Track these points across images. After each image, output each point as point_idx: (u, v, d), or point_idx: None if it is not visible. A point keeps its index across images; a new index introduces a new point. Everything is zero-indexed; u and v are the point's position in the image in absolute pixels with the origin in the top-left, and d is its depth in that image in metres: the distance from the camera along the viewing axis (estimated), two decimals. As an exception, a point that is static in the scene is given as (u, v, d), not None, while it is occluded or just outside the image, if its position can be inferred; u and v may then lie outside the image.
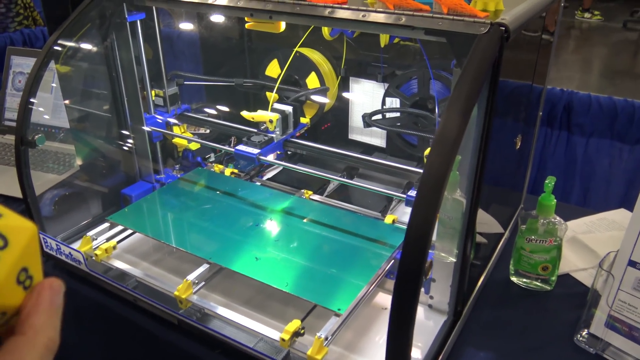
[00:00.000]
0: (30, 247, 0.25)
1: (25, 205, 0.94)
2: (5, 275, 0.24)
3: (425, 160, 0.81)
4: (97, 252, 0.88)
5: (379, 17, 0.69)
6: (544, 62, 0.92)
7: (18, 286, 0.25)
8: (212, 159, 1.23)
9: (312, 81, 1.13)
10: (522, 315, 0.85)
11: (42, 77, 0.88)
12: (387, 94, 1.07)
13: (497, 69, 0.62)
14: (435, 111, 0.97)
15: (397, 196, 0.85)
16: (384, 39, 1.03)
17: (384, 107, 1.07)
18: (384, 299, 0.87)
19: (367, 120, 1.02)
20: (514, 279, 0.91)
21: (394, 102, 1.07)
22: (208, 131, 1.25)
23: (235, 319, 0.76)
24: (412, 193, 0.78)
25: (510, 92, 0.78)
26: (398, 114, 1.07)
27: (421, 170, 0.87)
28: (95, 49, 1.01)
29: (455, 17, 0.64)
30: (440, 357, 0.73)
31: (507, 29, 0.61)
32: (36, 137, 0.90)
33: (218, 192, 1.03)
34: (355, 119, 1.20)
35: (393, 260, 0.85)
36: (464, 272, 0.76)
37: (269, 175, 1.19)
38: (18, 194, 0.93)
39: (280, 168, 1.21)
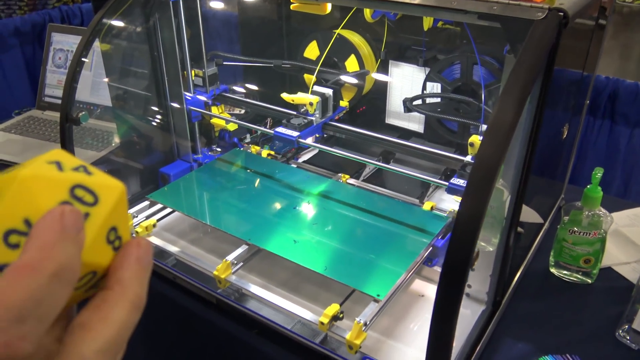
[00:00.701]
0: (119, 206, 0.25)
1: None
2: (96, 231, 0.23)
3: (469, 147, 0.79)
4: (138, 229, 0.89)
5: (431, 0, 0.67)
6: (596, 48, 0.89)
7: (108, 245, 0.24)
8: (248, 140, 1.23)
9: (351, 64, 1.12)
10: (561, 308, 0.83)
11: (87, 55, 0.89)
12: (428, 78, 1.05)
13: (552, 57, 0.60)
14: (480, 97, 0.95)
15: (438, 183, 0.84)
16: (427, 22, 1.01)
17: (425, 92, 1.05)
18: (420, 286, 0.87)
19: (408, 105, 1.00)
20: (553, 270, 0.90)
21: (434, 87, 1.05)
22: (243, 112, 1.25)
23: (274, 301, 0.77)
24: (455, 181, 0.77)
25: (562, 80, 0.75)
26: (439, 100, 1.05)
27: (461, 157, 0.86)
28: (138, 28, 1.01)
29: (510, 2, 0.62)
30: (479, 347, 0.73)
31: (566, 14, 0.59)
32: (80, 114, 0.91)
33: (255, 174, 1.03)
34: (393, 103, 1.18)
35: (431, 248, 0.84)
36: (505, 262, 0.75)
37: (305, 157, 1.19)
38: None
39: (316, 151, 1.21)
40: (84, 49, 0.87)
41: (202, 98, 1.09)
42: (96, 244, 0.24)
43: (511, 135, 0.54)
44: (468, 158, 0.81)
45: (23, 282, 0.20)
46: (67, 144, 0.90)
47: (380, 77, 1.14)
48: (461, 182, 0.77)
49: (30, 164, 0.24)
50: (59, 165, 0.24)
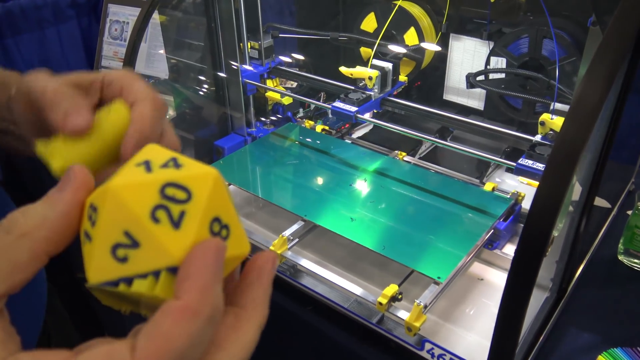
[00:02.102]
0: (217, 193, 0.24)
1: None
2: (196, 229, 0.22)
3: (540, 126, 0.75)
4: (195, 202, 0.89)
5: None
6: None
7: (215, 238, 0.24)
8: (301, 114, 1.22)
9: (410, 37, 1.08)
10: (630, 298, 0.79)
11: (147, 26, 0.88)
12: (492, 53, 1.00)
13: (645, 30, 0.55)
14: (549, 73, 0.90)
15: (505, 163, 0.80)
16: (494, -7, 0.96)
17: (488, 67, 1.01)
18: (480, 269, 0.84)
19: (472, 81, 0.96)
20: (622, 258, 0.85)
21: (499, 62, 1.00)
22: (294, 85, 1.23)
23: (330, 278, 0.76)
24: (524, 161, 0.74)
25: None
26: (503, 75, 1.00)
27: (527, 136, 0.81)
28: (196, -1, 1.00)
29: (599, -31, 0.57)
30: (543, 334, 0.70)
31: (664, -17, 0.53)
32: (139, 86, 0.91)
33: (310, 149, 1.02)
34: (452, 78, 1.14)
35: (493, 230, 0.81)
36: (574, 248, 0.71)
37: (359, 133, 1.17)
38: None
39: (371, 127, 1.18)
40: (144, 20, 0.87)
41: (258, 71, 1.07)
42: (201, 240, 0.23)
43: (597, 115, 0.50)
44: (537, 137, 0.77)
45: (185, 325, 0.20)
46: (126, 116, 0.91)
47: (441, 51, 1.10)
48: (529, 163, 0.73)
49: (121, 170, 0.24)
50: (147, 166, 0.24)
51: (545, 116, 0.74)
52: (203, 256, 0.21)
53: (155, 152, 0.25)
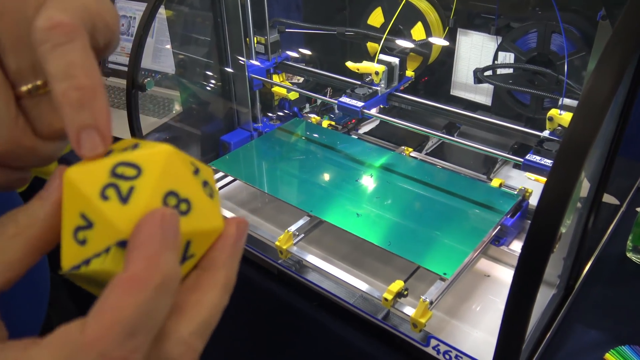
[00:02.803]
0: (171, 168, 0.23)
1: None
2: (144, 202, 0.22)
3: (548, 122, 0.74)
4: (201, 197, 0.89)
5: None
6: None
7: (163, 207, 0.23)
8: (307, 109, 1.21)
9: (417, 31, 1.07)
10: (638, 295, 0.78)
11: (154, 21, 0.88)
12: (500, 47, 0.99)
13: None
14: (557, 69, 0.89)
15: (512, 159, 0.79)
16: (502, -13, 0.95)
17: (496, 62, 1.00)
18: (486, 266, 0.84)
19: (480, 76, 0.95)
20: (631, 255, 0.84)
21: (507, 57, 0.99)
22: (301, 80, 1.23)
23: (335, 274, 0.76)
24: (532, 157, 0.73)
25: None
26: (511, 70, 0.99)
27: (535, 132, 0.81)
28: (202, -7, 1.00)
29: (609, -38, 0.56)
30: (550, 332, 0.70)
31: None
32: (145, 81, 0.91)
33: (317, 144, 1.01)
34: (460, 74, 1.13)
35: (500, 226, 0.81)
36: (581, 245, 0.71)
37: (365, 129, 1.17)
38: (119, 134, 0.96)
39: (377, 122, 1.18)
40: (151, 14, 0.87)
41: (264, 66, 1.07)
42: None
43: (606, 111, 0.50)
44: (545, 133, 0.76)
45: (133, 295, 0.20)
46: (133, 111, 0.91)
47: (448, 45, 1.09)
48: (537, 159, 0.73)
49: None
50: (108, 153, 0.24)
51: (553, 111, 0.73)
52: (148, 225, 0.21)
53: (124, 142, 0.25)
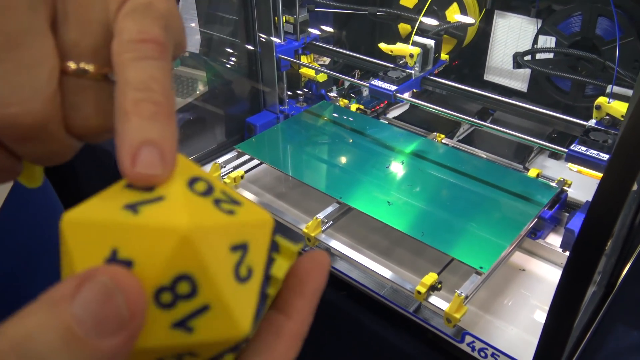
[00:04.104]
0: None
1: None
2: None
3: (595, 110, 0.70)
4: (226, 180, 0.87)
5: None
6: None
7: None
8: (334, 92, 1.18)
9: (452, 12, 1.03)
10: (682, 294, 0.75)
11: (182, -3, 0.85)
12: (541, 31, 0.94)
13: None
14: (603, 54, 0.85)
15: (555, 149, 0.75)
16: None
17: (536, 46, 0.95)
18: (521, 259, 0.80)
19: (520, 60, 0.91)
20: (675, 253, 0.80)
21: (547, 41, 0.95)
22: (327, 62, 1.19)
23: (365, 263, 0.73)
24: (577, 147, 0.69)
25: None
26: (550, 55, 0.94)
27: (579, 121, 0.77)
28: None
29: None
30: (590, 331, 0.67)
31: None
32: (172, 59, 0.89)
33: (345, 128, 0.98)
34: (495, 58, 1.08)
35: (537, 219, 0.77)
36: (627, 241, 0.67)
37: (394, 113, 1.13)
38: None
39: (407, 107, 1.14)
40: (178, -10, 0.84)
41: (293, 46, 1.04)
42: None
43: (672, 99, 0.46)
44: (592, 122, 0.72)
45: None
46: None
47: (484, 28, 1.04)
48: (583, 149, 0.69)
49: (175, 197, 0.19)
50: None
51: (601, 100, 0.69)
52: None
53: (184, 170, 0.20)
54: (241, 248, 0.19)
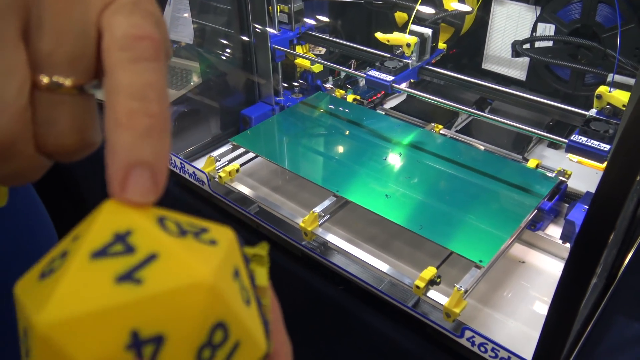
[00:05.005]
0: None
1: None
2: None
3: (596, 100, 0.69)
4: (221, 174, 0.86)
5: None
6: None
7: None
8: (330, 82, 1.16)
9: (450, 0, 1.01)
10: (684, 285, 0.74)
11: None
12: (540, 18, 0.93)
13: None
14: (603, 42, 0.83)
15: (556, 140, 0.74)
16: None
17: (535, 34, 0.94)
18: (521, 251, 0.79)
19: (518, 49, 0.89)
20: (676, 243, 0.79)
21: (547, 29, 0.93)
22: (323, 52, 1.17)
23: (363, 258, 0.72)
24: (577, 138, 0.68)
25: None
26: (550, 44, 0.93)
27: (579, 110, 0.75)
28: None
29: None
30: (591, 323, 0.66)
31: None
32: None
33: (341, 120, 0.97)
34: (493, 46, 1.07)
35: (536, 211, 0.76)
36: (628, 233, 0.66)
37: (391, 104, 1.12)
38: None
39: (404, 97, 1.12)
40: (169, -20, 0.82)
41: (287, 36, 1.02)
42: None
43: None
44: (592, 112, 0.70)
45: None
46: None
47: (482, 16, 1.02)
48: (583, 140, 0.67)
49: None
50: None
51: (602, 89, 0.68)
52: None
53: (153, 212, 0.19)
54: (236, 273, 0.18)
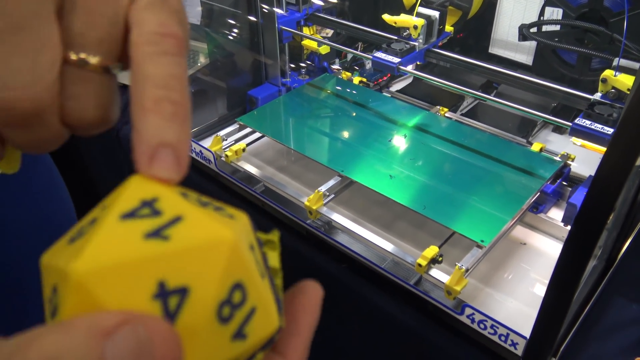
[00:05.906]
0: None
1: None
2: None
3: (601, 84, 0.69)
4: (228, 153, 0.87)
5: None
6: None
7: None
8: (337, 64, 1.17)
9: (458, -17, 1.01)
10: (682, 269, 0.75)
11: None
12: (548, 2, 0.92)
13: None
14: (611, 26, 0.83)
15: (560, 123, 0.75)
16: None
17: (542, 18, 0.94)
18: (522, 233, 0.80)
19: (525, 33, 0.89)
20: (676, 227, 0.80)
21: (554, 13, 0.93)
22: (330, 34, 1.18)
23: (366, 236, 0.73)
24: (581, 121, 0.68)
25: None
26: (557, 27, 0.93)
27: (584, 94, 0.76)
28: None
29: None
30: (589, 304, 0.67)
31: None
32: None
33: (348, 101, 0.97)
34: (500, 30, 1.07)
35: (539, 193, 0.77)
36: (629, 216, 0.67)
37: (398, 86, 1.12)
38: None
39: (410, 80, 1.13)
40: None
41: (294, 17, 1.02)
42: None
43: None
44: (597, 96, 0.71)
45: None
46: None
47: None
48: (587, 123, 0.68)
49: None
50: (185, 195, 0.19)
51: (608, 72, 0.68)
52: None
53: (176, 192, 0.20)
54: (252, 247, 0.19)
